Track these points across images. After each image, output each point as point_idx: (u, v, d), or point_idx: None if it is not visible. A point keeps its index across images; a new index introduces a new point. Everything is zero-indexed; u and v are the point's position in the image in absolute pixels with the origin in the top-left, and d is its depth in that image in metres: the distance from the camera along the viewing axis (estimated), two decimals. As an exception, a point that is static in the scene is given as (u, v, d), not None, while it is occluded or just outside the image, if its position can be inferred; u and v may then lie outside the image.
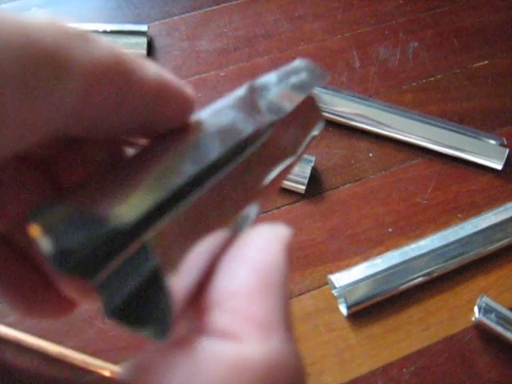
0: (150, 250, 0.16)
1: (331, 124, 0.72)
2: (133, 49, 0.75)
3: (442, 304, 0.62)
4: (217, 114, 0.22)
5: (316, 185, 0.68)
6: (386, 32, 0.80)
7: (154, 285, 0.17)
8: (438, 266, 0.63)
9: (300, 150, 0.27)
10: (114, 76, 0.17)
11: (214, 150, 0.20)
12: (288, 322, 0.18)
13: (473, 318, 0.61)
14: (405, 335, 0.61)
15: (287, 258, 0.19)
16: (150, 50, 0.77)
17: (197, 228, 0.19)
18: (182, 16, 0.80)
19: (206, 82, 0.75)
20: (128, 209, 0.16)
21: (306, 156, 0.67)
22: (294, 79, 0.27)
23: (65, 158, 0.21)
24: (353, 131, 0.72)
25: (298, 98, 0.26)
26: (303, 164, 0.67)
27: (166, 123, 0.20)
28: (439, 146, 0.71)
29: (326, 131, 0.72)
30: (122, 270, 0.17)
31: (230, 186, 0.21)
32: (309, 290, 0.62)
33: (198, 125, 0.21)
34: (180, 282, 0.17)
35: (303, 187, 0.67)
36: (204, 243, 0.19)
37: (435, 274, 0.63)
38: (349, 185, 0.69)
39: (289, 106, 0.25)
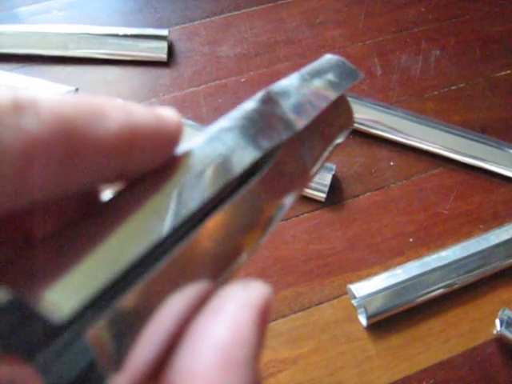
0: (84, 345, 0.15)
1: (352, 132, 0.71)
2: (153, 53, 0.75)
3: (463, 316, 0.62)
4: (213, 140, 0.20)
5: (336, 193, 0.68)
6: (408, 40, 0.80)
7: (94, 378, 0.15)
8: (459, 278, 0.62)
9: (318, 164, 0.24)
10: (57, 146, 0.15)
11: (196, 198, 0.18)
12: None
13: (494, 331, 0.60)
14: (425, 347, 0.60)
15: (259, 327, 0.17)
16: (170, 55, 0.77)
17: (163, 294, 0.17)
18: (203, 21, 0.80)
19: (227, 87, 0.74)
20: (65, 296, 0.14)
21: (326, 164, 0.67)
22: (319, 81, 0.24)
23: (33, 214, 0.19)
24: (374, 139, 0.71)
25: (323, 104, 0.23)
26: (324, 172, 0.66)
27: (142, 167, 0.18)
28: (461, 155, 0.70)
29: (347, 139, 0.71)
30: (62, 355, 0.15)
31: (217, 234, 0.19)
32: (328, 300, 0.62)
33: (185, 160, 0.19)
34: (135, 361, 0.16)
35: (323, 195, 0.66)
36: (172, 310, 0.17)
37: (456, 286, 0.62)
38: (369, 193, 0.68)
39: (311, 115, 0.23)
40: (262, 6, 0.82)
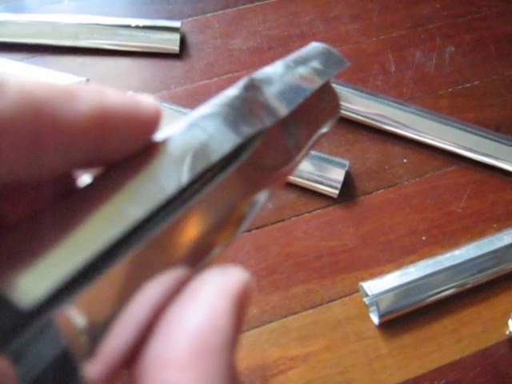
0: (56, 333, 0.14)
1: (365, 128, 0.71)
2: (165, 45, 0.74)
3: (476, 316, 0.61)
4: (193, 126, 0.19)
5: (349, 189, 0.67)
6: (423, 36, 0.79)
7: (67, 366, 0.15)
8: (472, 277, 0.61)
9: (302, 152, 0.24)
10: (24, 126, 0.15)
11: (172, 183, 0.17)
12: None
13: (507, 332, 0.59)
14: (437, 347, 0.59)
15: (237, 314, 0.17)
16: (183, 47, 0.76)
17: (138, 280, 0.16)
18: (215, 13, 0.79)
19: (239, 80, 0.73)
20: (36, 281, 0.14)
21: (339, 160, 0.66)
22: (303, 69, 0.24)
23: (7, 198, 0.19)
24: (387, 136, 0.71)
25: (307, 91, 0.23)
26: (337, 168, 0.65)
27: (118, 152, 0.18)
28: (475, 153, 0.69)
29: (360, 135, 0.70)
30: (34, 344, 0.15)
31: (195, 220, 0.18)
32: (339, 297, 0.61)
33: (164, 146, 0.19)
34: (108, 349, 0.15)
35: (336, 191, 0.65)
36: (146, 296, 0.16)
37: (469, 285, 0.61)
38: (382, 190, 0.67)
39: (295, 102, 0.22)
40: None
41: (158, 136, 0.19)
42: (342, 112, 0.70)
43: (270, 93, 0.22)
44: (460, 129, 0.70)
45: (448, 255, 0.62)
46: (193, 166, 0.18)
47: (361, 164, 0.69)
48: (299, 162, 0.24)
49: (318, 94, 0.25)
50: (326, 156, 0.66)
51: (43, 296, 0.14)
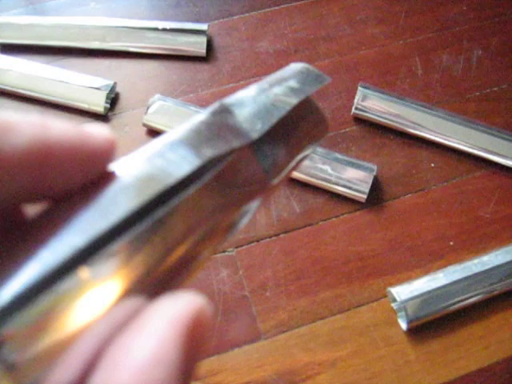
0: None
1: (393, 132, 0.70)
2: (192, 48, 0.74)
3: (504, 323, 0.61)
4: (152, 154, 0.19)
5: (377, 194, 0.67)
6: (450, 39, 0.78)
7: None
8: (500, 283, 0.61)
9: (284, 172, 0.23)
10: None
11: (118, 210, 0.17)
12: None
13: (536, 339, 0.59)
14: (465, 353, 0.59)
15: (185, 344, 0.16)
16: (209, 50, 0.76)
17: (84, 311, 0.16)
18: (242, 16, 0.79)
19: (266, 84, 0.73)
20: None
21: (367, 164, 0.66)
22: (279, 89, 0.23)
23: None
24: (414, 140, 0.70)
25: (282, 111, 0.23)
26: (365, 172, 0.65)
27: (66, 184, 0.18)
28: (503, 158, 0.69)
29: (388, 139, 0.70)
30: None
31: (147, 246, 0.18)
32: (367, 302, 0.61)
33: (117, 176, 0.18)
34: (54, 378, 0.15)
35: (364, 196, 0.65)
36: (93, 329, 0.16)
37: (497, 292, 0.61)
38: (410, 195, 0.67)
39: (268, 123, 0.22)
40: (302, 2, 0.81)
41: (116, 165, 0.19)
42: (370, 116, 0.70)
43: (242, 115, 0.22)
44: (488, 133, 0.70)
45: (476, 261, 0.62)
46: (145, 191, 0.18)
47: (388, 168, 0.68)
48: (281, 181, 0.24)
49: (300, 113, 0.25)
50: (354, 160, 0.66)
51: None
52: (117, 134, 0.70)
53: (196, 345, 0.16)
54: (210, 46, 0.76)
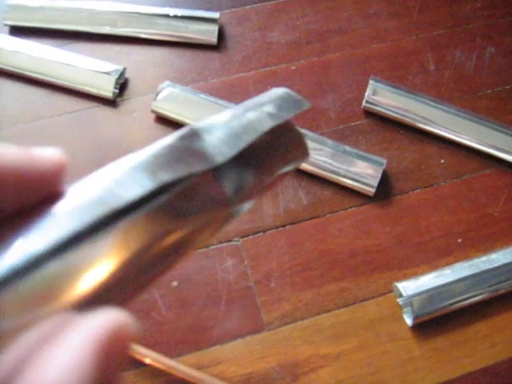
0: None
1: (403, 126, 0.70)
2: (203, 36, 0.74)
3: (510, 322, 0.60)
4: (109, 179, 0.19)
5: (385, 188, 0.66)
6: (462, 36, 0.78)
7: None
8: (507, 282, 0.60)
9: (253, 195, 0.24)
10: None
11: (59, 230, 0.17)
12: None
13: (542, 339, 0.59)
14: (470, 351, 0.58)
15: (102, 362, 0.16)
16: (220, 39, 0.75)
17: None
18: (254, 6, 0.78)
19: (276, 74, 0.73)
20: None
21: (377, 158, 0.65)
22: (253, 114, 0.23)
23: None
24: (424, 135, 0.70)
25: (253, 136, 0.23)
26: (374, 166, 0.64)
27: (13, 205, 0.18)
28: (513, 156, 0.68)
29: (398, 133, 0.70)
30: None
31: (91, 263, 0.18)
32: (373, 297, 0.60)
33: (65, 198, 0.19)
34: None
35: (373, 190, 0.64)
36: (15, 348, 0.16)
37: (504, 290, 0.60)
38: (418, 190, 0.66)
39: (236, 148, 0.22)
40: (315, -6, 0.80)
41: (72, 186, 0.19)
42: (380, 110, 0.69)
43: (210, 140, 0.22)
44: (498, 131, 0.69)
45: (484, 259, 0.61)
46: (89, 213, 0.18)
47: (397, 163, 0.68)
48: (248, 204, 0.24)
49: (275, 138, 0.25)
50: (363, 153, 0.65)
51: None
52: (125, 119, 0.70)
53: (113, 359, 0.16)
54: (221, 34, 0.75)
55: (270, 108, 0.24)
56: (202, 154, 0.21)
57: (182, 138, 0.22)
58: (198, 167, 0.21)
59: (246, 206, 0.25)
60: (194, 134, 0.22)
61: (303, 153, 0.27)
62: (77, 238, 0.18)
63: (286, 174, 0.26)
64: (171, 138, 0.21)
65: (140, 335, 0.16)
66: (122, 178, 0.19)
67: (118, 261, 0.19)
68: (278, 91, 0.26)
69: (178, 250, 0.21)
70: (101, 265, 0.18)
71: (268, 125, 0.23)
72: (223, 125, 0.23)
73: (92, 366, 0.15)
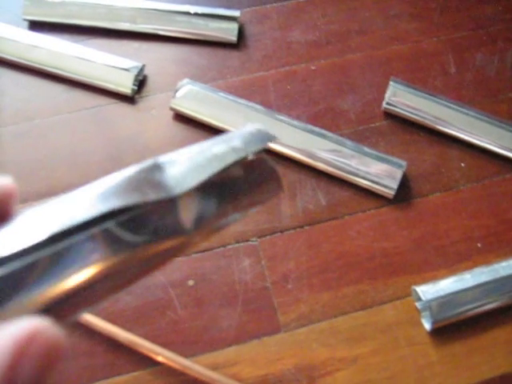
0: None
1: (423, 129, 0.69)
2: (223, 34, 0.73)
3: (530, 328, 0.59)
4: (58, 204, 0.20)
5: (404, 191, 0.65)
6: (484, 38, 0.77)
7: None
8: (528, 288, 0.59)
9: (214, 226, 0.25)
10: None
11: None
12: None
13: (562, 347, 0.58)
14: (489, 357, 0.58)
15: (13, 362, 0.16)
16: (240, 37, 0.75)
17: None
18: (275, 5, 0.78)
19: (296, 74, 0.72)
20: None
21: (397, 160, 0.64)
22: (218, 148, 0.24)
23: None
24: (445, 138, 0.69)
25: (215, 169, 0.23)
26: (394, 168, 0.64)
27: None
28: (534, 161, 0.68)
29: (418, 136, 0.69)
30: None
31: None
32: (391, 300, 0.60)
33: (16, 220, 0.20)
34: None
35: (392, 192, 0.64)
36: None
37: (524, 296, 0.59)
38: (438, 194, 0.66)
39: (197, 180, 0.23)
40: (335, -6, 0.80)
41: (24, 211, 0.20)
42: (400, 111, 0.69)
43: (171, 173, 0.23)
44: (520, 135, 0.68)
45: (504, 264, 0.60)
46: (31, 237, 0.19)
47: (417, 166, 0.67)
48: (209, 234, 0.25)
49: (247, 172, 0.25)
50: (383, 155, 0.65)
51: None
52: (143, 117, 0.69)
53: (27, 360, 0.16)
54: (241, 33, 0.75)
55: (236, 142, 0.25)
56: (160, 185, 0.22)
57: (144, 169, 0.22)
58: (152, 196, 0.21)
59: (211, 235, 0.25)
60: (157, 167, 0.23)
61: (277, 187, 0.27)
62: (17, 255, 0.19)
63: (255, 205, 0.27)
64: (133, 169, 0.22)
65: (66, 343, 0.16)
66: (72, 205, 0.20)
67: (56, 282, 0.20)
68: (248, 128, 0.26)
69: (123, 272, 0.22)
70: (37, 286, 0.19)
71: (232, 158, 0.24)
72: (187, 159, 0.23)
73: (3, 370, 0.16)
